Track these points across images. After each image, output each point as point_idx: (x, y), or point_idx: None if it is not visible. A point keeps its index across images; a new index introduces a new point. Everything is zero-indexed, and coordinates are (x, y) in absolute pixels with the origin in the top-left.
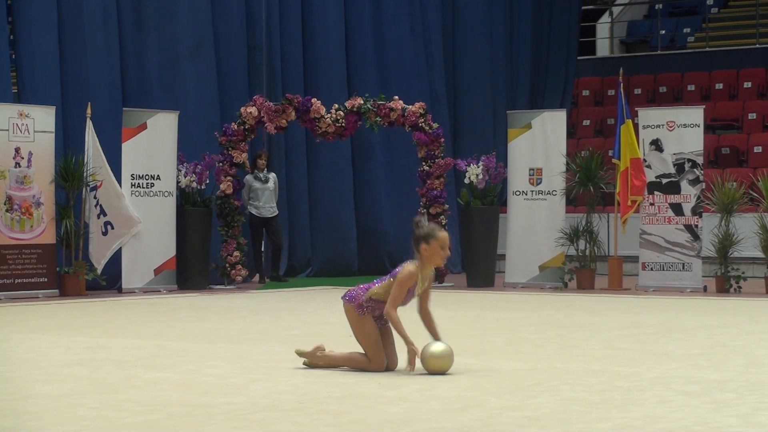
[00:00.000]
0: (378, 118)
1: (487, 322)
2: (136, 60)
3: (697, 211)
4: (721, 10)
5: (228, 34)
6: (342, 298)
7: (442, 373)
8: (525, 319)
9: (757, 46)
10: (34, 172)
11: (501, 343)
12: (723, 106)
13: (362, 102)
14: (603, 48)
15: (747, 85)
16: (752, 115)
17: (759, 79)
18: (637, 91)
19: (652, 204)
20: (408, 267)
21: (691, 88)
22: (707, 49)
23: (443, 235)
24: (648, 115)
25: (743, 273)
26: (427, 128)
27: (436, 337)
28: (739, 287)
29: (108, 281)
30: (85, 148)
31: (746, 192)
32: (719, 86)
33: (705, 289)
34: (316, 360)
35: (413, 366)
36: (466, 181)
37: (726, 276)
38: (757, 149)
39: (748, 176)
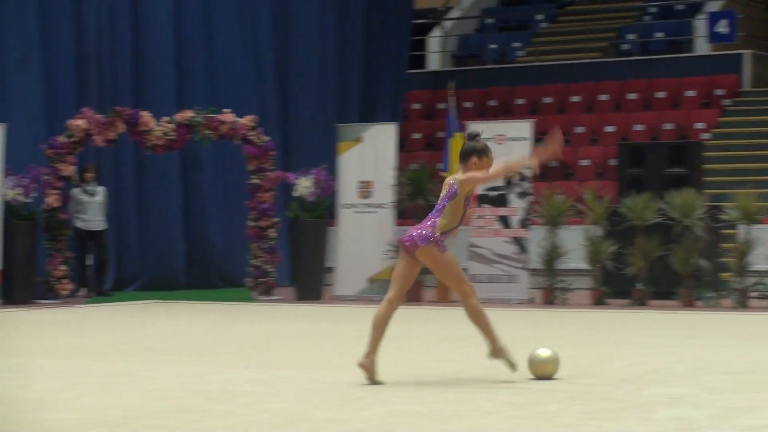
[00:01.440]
0: (208, 131)
1: (316, 334)
2: None
3: (524, 224)
4: (550, 25)
5: (56, 45)
6: (410, 243)
7: (548, 377)
8: (353, 332)
9: (586, 60)
10: None
11: (329, 356)
12: (551, 120)
13: (192, 115)
14: (434, 62)
15: (575, 99)
16: (580, 129)
17: (586, 93)
18: (468, 104)
19: (480, 217)
20: (455, 176)
21: (521, 101)
22: (536, 63)
23: (493, 156)
24: (477, 129)
25: (569, 284)
26: (257, 141)
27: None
28: (565, 298)
29: None
30: None
31: (573, 204)
32: (548, 100)
33: (531, 300)
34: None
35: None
36: (296, 194)
37: (552, 288)
38: (585, 162)
39: (575, 189)
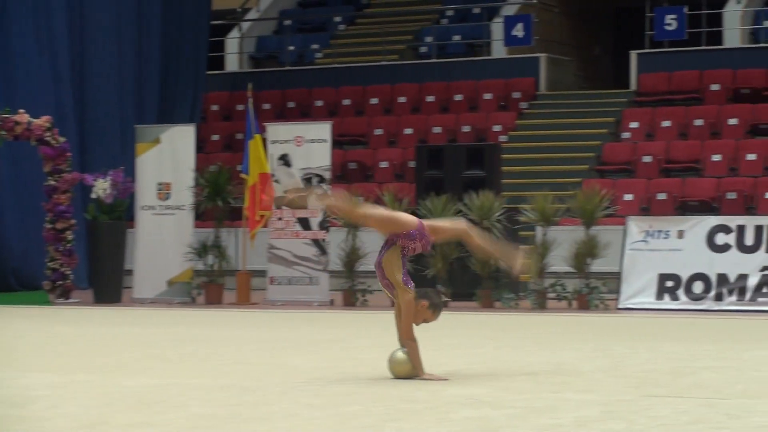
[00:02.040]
0: (2, 132)
1: (115, 338)
2: None
3: (324, 226)
4: (348, 27)
5: None
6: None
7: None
8: (153, 335)
9: (384, 63)
10: None
11: (129, 359)
12: (350, 122)
13: None
14: (232, 63)
15: (373, 101)
16: (378, 131)
17: (385, 95)
18: (266, 106)
19: (280, 219)
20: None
21: (319, 103)
22: (335, 65)
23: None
24: (276, 131)
25: (370, 286)
26: (53, 142)
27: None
28: (366, 300)
29: None
30: None
31: None
32: (346, 102)
33: (332, 302)
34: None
35: None
36: (94, 195)
37: (353, 290)
38: (383, 164)
39: (374, 191)
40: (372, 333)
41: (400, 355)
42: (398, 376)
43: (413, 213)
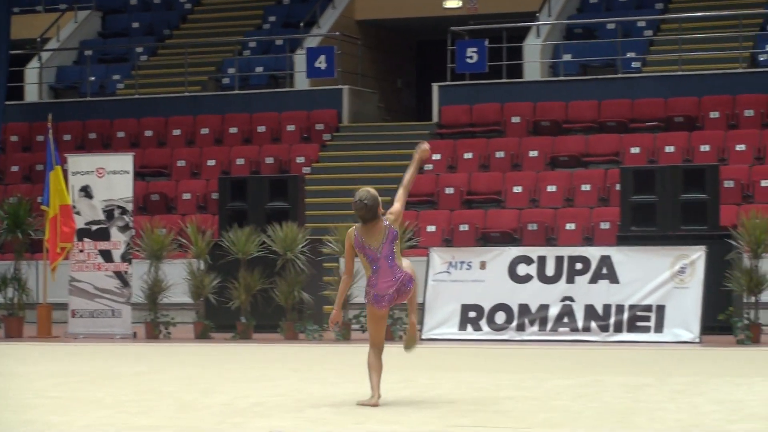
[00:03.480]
0: None
1: None
2: None
3: (126, 258)
4: (150, 58)
5: None
6: (395, 297)
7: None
8: None
9: (186, 94)
10: None
11: None
12: (152, 153)
13: None
14: (32, 93)
15: (176, 132)
16: (181, 163)
17: (187, 126)
18: (67, 137)
19: (81, 251)
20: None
21: (121, 134)
22: (137, 96)
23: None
24: (77, 162)
25: (173, 318)
26: None
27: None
28: (169, 333)
29: None
30: None
31: (175, 238)
32: (149, 133)
33: (135, 335)
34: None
35: None
36: None
37: (156, 322)
38: (186, 196)
39: (177, 223)
40: (175, 365)
41: None
42: None
43: (216, 246)
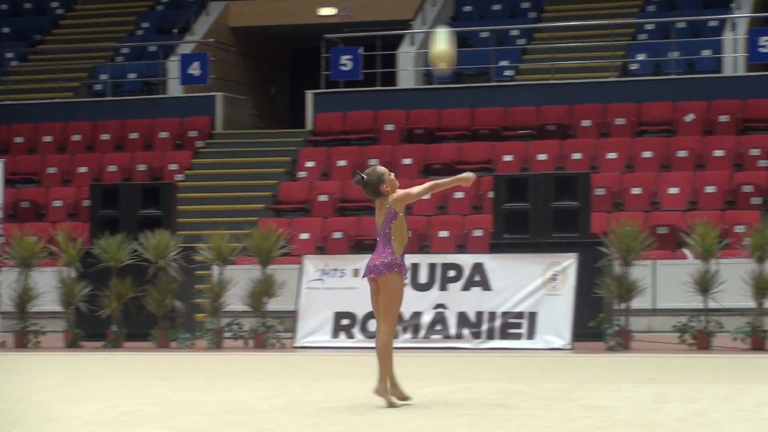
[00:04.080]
0: None
1: None
2: None
3: None
4: (21, 63)
5: None
6: (375, 273)
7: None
8: None
9: (57, 100)
10: None
11: None
12: (22, 160)
13: None
14: None
15: (47, 139)
16: (52, 169)
17: (58, 133)
18: None
19: None
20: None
21: None
22: (7, 102)
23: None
24: None
25: (43, 327)
26: None
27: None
28: (38, 342)
29: None
30: None
31: (45, 246)
32: (19, 140)
33: (3, 344)
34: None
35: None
36: None
37: (25, 331)
38: (57, 203)
39: (48, 230)
40: (44, 375)
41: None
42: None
43: (87, 254)
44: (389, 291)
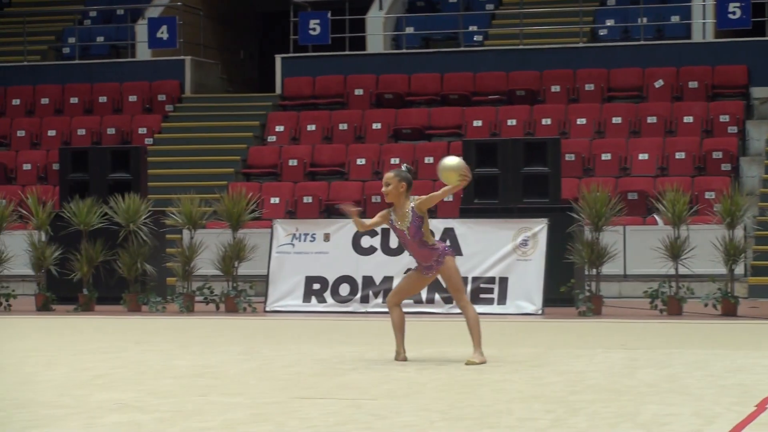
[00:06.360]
0: None
1: None
2: None
3: None
4: None
5: None
6: (434, 270)
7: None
8: None
9: (25, 63)
10: None
11: None
12: None
13: None
14: None
15: (15, 102)
16: (21, 133)
17: (27, 96)
18: None
19: None
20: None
21: None
22: None
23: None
24: None
25: (13, 291)
26: None
27: None
28: (9, 305)
29: None
30: None
31: (15, 209)
32: None
33: None
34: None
35: None
36: None
37: None
38: (27, 167)
39: (18, 193)
40: (15, 338)
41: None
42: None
43: (57, 217)
44: (451, 272)
